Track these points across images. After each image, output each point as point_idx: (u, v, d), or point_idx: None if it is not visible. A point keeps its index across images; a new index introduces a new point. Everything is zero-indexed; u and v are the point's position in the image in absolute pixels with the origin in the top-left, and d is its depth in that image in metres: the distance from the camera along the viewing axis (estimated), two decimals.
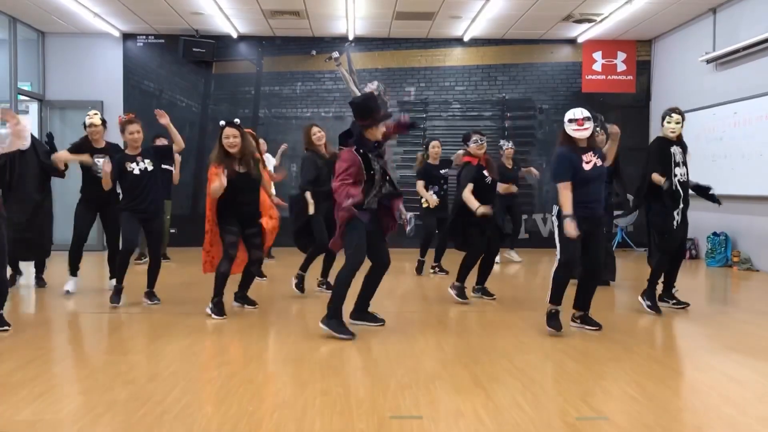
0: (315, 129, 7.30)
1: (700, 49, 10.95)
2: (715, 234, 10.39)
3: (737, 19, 10.20)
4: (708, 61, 10.80)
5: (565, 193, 5.39)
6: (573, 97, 12.78)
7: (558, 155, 5.57)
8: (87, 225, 7.37)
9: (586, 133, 5.48)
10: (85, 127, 7.26)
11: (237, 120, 6.19)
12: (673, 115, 6.56)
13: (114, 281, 7.19)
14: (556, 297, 5.60)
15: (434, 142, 9.08)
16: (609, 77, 12.97)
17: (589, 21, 11.54)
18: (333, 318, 5.38)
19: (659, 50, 12.75)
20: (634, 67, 12.99)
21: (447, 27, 12.04)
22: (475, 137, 6.93)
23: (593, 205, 5.49)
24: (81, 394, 3.95)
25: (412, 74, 12.93)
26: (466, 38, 12.65)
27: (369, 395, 3.94)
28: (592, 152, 5.53)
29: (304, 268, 7.33)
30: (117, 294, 6.67)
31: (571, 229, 5.26)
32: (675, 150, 6.48)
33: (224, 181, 5.93)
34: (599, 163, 5.53)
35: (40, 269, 7.89)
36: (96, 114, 7.27)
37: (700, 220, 11.04)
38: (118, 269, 6.75)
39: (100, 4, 10.77)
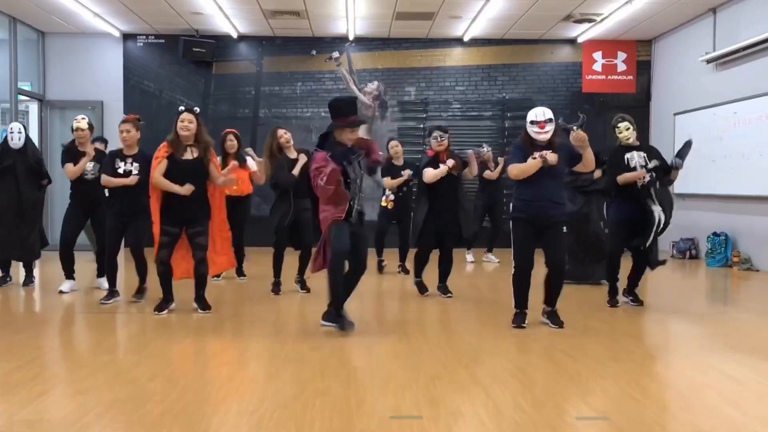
0: (281, 132, 7.21)
1: (700, 49, 10.95)
2: (715, 234, 10.39)
3: (737, 19, 10.19)
4: (708, 61, 10.80)
5: (517, 165, 5.51)
6: (573, 97, 12.80)
7: (512, 146, 5.81)
8: (74, 229, 7.39)
9: (547, 136, 5.55)
10: (72, 130, 7.36)
11: (197, 109, 6.21)
12: (620, 123, 6.57)
13: (103, 279, 7.27)
14: (518, 300, 5.76)
15: (393, 142, 8.84)
16: (609, 77, 12.97)
17: (589, 21, 11.54)
18: (329, 308, 5.56)
19: (659, 50, 12.75)
20: (634, 67, 12.99)
21: (447, 27, 12.04)
22: (435, 134, 6.97)
23: (543, 204, 5.50)
24: (81, 394, 3.95)
25: (412, 74, 12.93)
26: (466, 38, 12.65)
27: (369, 395, 3.94)
28: (549, 151, 5.51)
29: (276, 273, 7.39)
30: (108, 296, 6.79)
31: (550, 156, 5.33)
32: (632, 155, 6.49)
33: (162, 168, 5.97)
34: (553, 161, 5.49)
35: (29, 269, 7.94)
36: (84, 119, 7.34)
37: (700, 220, 11.05)
38: (106, 271, 6.83)
39: (100, 4, 10.78)
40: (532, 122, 5.56)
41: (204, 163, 6.09)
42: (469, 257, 10.38)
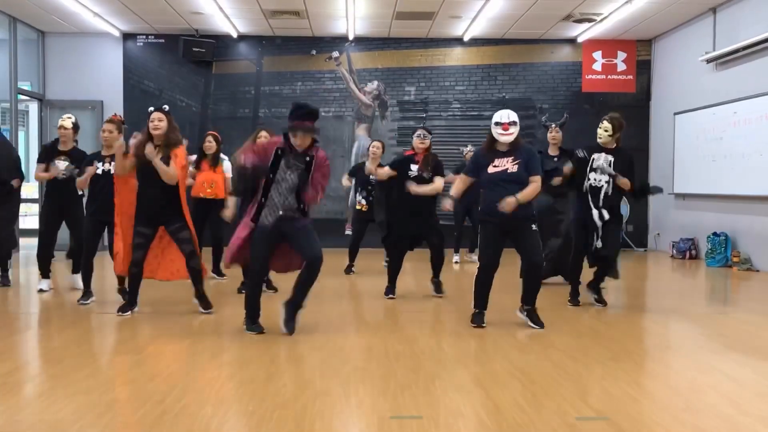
0: (263, 133, 7.05)
1: (700, 49, 10.95)
2: (715, 234, 10.38)
3: (737, 19, 10.19)
4: (708, 61, 10.80)
5: (458, 183, 5.97)
6: (573, 97, 12.79)
7: (473, 153, 6.06)
8: (51, 227, 7.37)
9: (510, 138, 5.59)
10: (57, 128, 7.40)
11: (166, 107, 6.13)
12: (603, 122, 6.56)
13: (77, 276, 7.24)
14: (478, 300, 5.78)
15: (375, 143, 8.82)
16: (609, 77, 12.96)
17: (589, 21, 11.54)
18: (247, 318, 5.49)
19: (659, 50, 12.75)
20: (634, 67, 12.99)
21: (447, 27, 12.04)
22: (419, 132, 6.99)
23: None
24: (81, 394, 3.94)
25: (412, 74, 12.92)
26: (466, 38, 12.65)
27: (369, 395, 3.94)
28: (511, 158, 5.58)
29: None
30: (85, 296, 6.71)
31: (448, 204, 6.14)
32: (599, 156, 6.48)
33: (127, 165, 5.93)
34: (513, 169, 5.55)
35: (4, 267, 7.88)
36: (69, 118, 7.35)
37: (700, 220, 11.05)
38: (82, 273, 6.77)
39: (100, 4, 10.77)
40: (496, 123, 5.62)
41: (168, 162, 5.95)
42: (456, 257, 10.30)
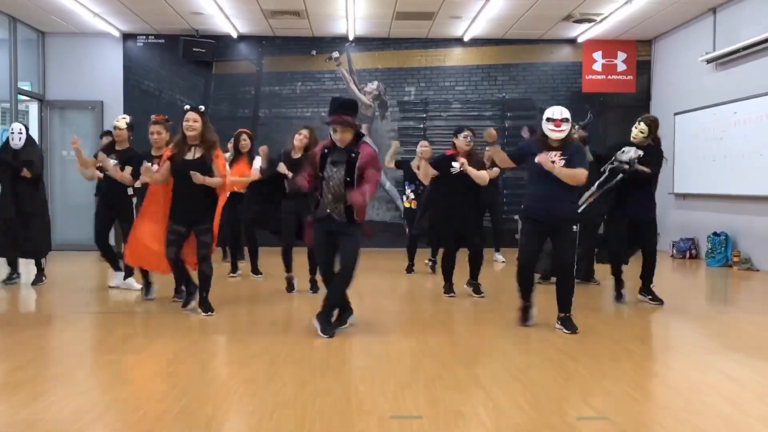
0: (304, 131, 7.24)
1: (700, 49, 10.95)
2: (715, 234, 10.38)
3: (737, 19, 10.19)
4: (708, 61, 10.80)
5: (501, 157, 5.83)
6: (573, 97, 12.78)
7: (525, 140, 5.88)
8: (104, 223, 7.40)
9: (561, 135, 5.51)
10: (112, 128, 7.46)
11: (202, 107, 6.15)
12: (639, 123, 6.68)
13: (131, 279, 7.38)
14: (522, 295, 5.81)
15: (423, 142, 8.94)
16: (609, 77, 12.96)
17: (589, 21, 11.54)
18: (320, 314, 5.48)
19: (659, 50, 12.75)
20: (634, 67, 12.98)
21: (447, 27, 12.04)
22: (466, 132, 6.96)
23: (549, 204, 5.48)
24: (81, 394, 3.95)
25: (412, 74, 12.92)
26: (466, 38, 12.65)
27: (369, 395, 3.94)
28: (559, 153, 5.52)
29: (288, 268, 7.40)
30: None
31: (543, 158, 5.41)
32: (629, 149, 6.60)
33: (163, 174, 6.07)
34: (560, 163, 5.51)
35: (39, 267, 7.92)
36: (124, 118, 7.34)
37: (700, 220, 11.05)
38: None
39: (100, 4, 10.77)
40: (548, 119, 5.52)
41: (206, 162, 6.00)
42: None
